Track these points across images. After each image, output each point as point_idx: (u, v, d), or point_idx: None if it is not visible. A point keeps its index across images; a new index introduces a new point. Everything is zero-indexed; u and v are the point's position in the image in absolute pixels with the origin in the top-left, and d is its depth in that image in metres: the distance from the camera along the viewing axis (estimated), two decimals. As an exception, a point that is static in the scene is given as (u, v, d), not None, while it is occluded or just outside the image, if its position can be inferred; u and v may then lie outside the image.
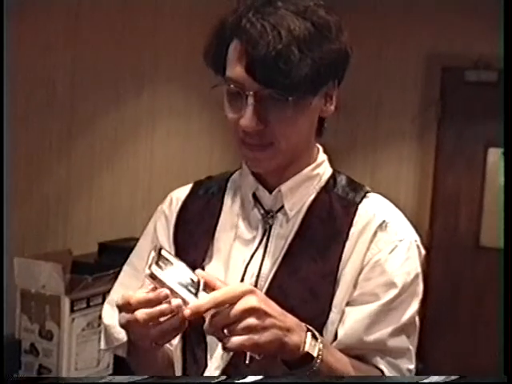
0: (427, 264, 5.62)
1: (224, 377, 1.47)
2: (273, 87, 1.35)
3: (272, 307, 1.29)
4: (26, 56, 3.34)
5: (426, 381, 1.45)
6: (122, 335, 1.54)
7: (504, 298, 1.51)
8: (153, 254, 1.27)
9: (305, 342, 1.32)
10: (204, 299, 1.24)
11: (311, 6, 1.38)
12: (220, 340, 1.26)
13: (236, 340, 1.24)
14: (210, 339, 1.50)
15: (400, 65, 5.58)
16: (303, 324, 1.35)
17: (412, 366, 1.54)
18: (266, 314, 1.26)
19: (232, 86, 1.40)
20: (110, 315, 1.58)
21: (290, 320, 1.32)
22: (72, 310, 2.67)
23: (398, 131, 5.65)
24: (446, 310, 5.64)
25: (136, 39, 4.14)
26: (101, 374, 2.79)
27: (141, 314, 1.24)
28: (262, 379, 1.36)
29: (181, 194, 1.65)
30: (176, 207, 1.63)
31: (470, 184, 5.58)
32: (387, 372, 1.48)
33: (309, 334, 1.33)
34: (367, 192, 1.58)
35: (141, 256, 1.60)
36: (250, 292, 1.27)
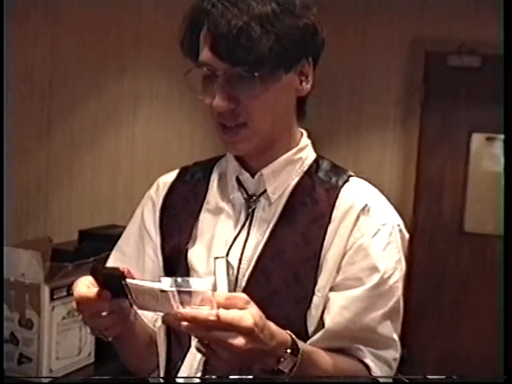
0: (411, 250, 5.66)
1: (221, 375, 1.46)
2: (238, 64, 1.39)
3: (266, 328, 1.27)
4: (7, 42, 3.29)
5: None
6: None
7: (504, 297, 1.50)
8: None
9: (279, 362, 1.31)
10: (207, 312, 1.22)
11: None
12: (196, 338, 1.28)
13: (214, 353, 1.25)
14: None
15: (383, 49, 5.56)
16: (288, 338, 1.34)
17: (398, 356, 1.56)
18: (254, 339, 1.24)
19: (205, 69, 1.44)
20: None
21: (276, 342, 1.30)
22: (52, 299, 2.63)
23: (381, 116, 5.63)
24: (430, 296, 5.64)
25: (117, 24, 4.09)
26: (82, 362, 2.76)
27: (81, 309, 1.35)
28: (260, 378, 1.34)
29: (168, 178, 1.67)
30: (162, 192, 1.64)
31: (453, 169, 5.57)
32: (373, 366, 1.49)
33: (288, 352, 1.32)
34: (350, 176, 1.59)
35: (128, 242, 1.65)
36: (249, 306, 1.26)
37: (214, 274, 1.40)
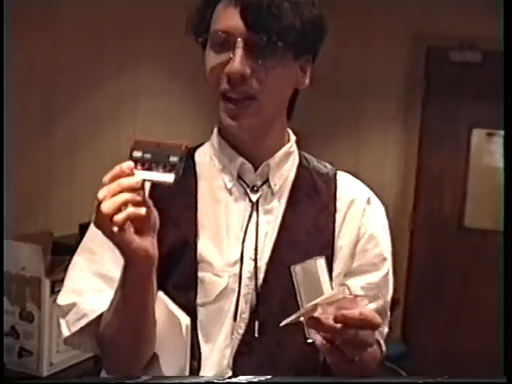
0: (411, 245, 5.65)
1: (229, 375, 1.48)
2: (264, 32, 1.41)
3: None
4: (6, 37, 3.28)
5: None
6: (93, 306, 1.49)
7: (504, 298, 1.52)
8: None
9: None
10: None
11: None
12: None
13: (341, 353, 1.30)
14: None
15: (385, 44, 5.55)
16: None
17: (387, 329, 1.69)
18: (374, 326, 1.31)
19: (221, 34, 1.44)
20: (73, 294, 1.54)
21: None
22: (53, 292, 2.64)
23: (382, 112, 5.63)
24: (430, 292, 5.65)
25: (117, 20, 4.09)
26: (83, 356, 2.77)
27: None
28: (266, 379, 1.36)
29: None
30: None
31: (454, 165, 5.57)
32: (382, 342, 1.63)
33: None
34: (333, 168, 1.69)
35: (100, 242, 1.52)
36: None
37: (316, 274, 1.37)
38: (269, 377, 1.29)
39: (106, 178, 1.26)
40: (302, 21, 1.43)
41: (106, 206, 1.23)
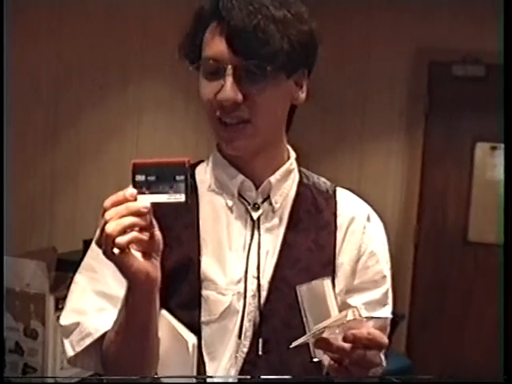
0: (415, 259, 5.63)
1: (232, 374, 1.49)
2: (251, 58, 1.41)
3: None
4: (11, 50, 3.29)
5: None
6: (97, 325, 1.48)
7: (504, 297, 1.53)
8: None
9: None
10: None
11: None
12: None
13: (347, 372, 1.31)
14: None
15: (388, 59, 5.56)
16: None
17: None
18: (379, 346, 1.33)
19: (211, 61, 1.45)
20: (76, 314, 1.53)
21: None
22: (57, 308, 2.63)
23: (385, 126, 5.63)
24: (434, 305, 5.63)
25: (122, 32, 4.10)
26: (85, 373, 2.76)
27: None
28: (270, 378, 1.36)
29: None
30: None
31: (457, 178, 5.57)
32: (381, 355, 1.58)
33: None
34: (332, 184, 1.68)
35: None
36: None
37: (322, 294, 1.36)
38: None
39: (108, 204, 1.27)
40: (290, 41, 1.42)
41: (112, 228, 1.24)
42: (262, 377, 1.45)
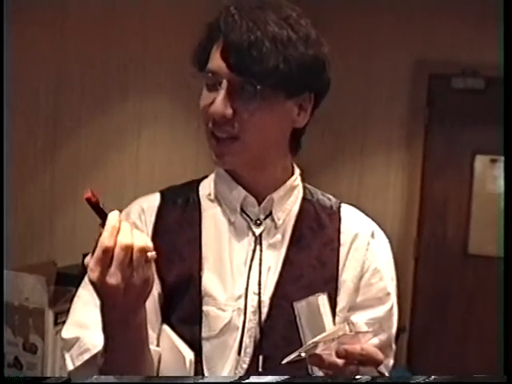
0: (415, 271, 5.62)
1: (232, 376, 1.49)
2: (244, 74, 1.41)
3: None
4: (11, 63, 3.29)
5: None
6: (95, 341, 1.47)
7: (504, 297, 1.53)
8: None
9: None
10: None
11: (294, 15, 1.46)
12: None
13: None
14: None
15: (388, 71, 5.58)
16: None
17: (392, 362, 1.67)
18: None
19: (210, 74, 1.46)
20: (77, 328, 1.53)
21: None
22: (56, 323, 2.63)
23: (385, 138, 5.64)
24: (435, 318, 5.63)
25: (122, 46, 4.10)
26: (86, 387, 2.75)
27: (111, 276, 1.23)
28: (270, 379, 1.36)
29: (151, 203, 1.63)
30: (150, 218, 1.60)
31: (457, 191, 5.57)
32: (386, 373, 1.60)
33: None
34: (337, 201, 1.67)
35: None
36: None
37: (318, 310, 1.37)
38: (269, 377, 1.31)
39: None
40: (287, 62, 1.40)
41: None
42: (262, 377, 1.44)
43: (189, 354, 1.48)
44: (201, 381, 1.45)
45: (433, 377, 1.34)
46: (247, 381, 1.40)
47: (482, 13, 5.19)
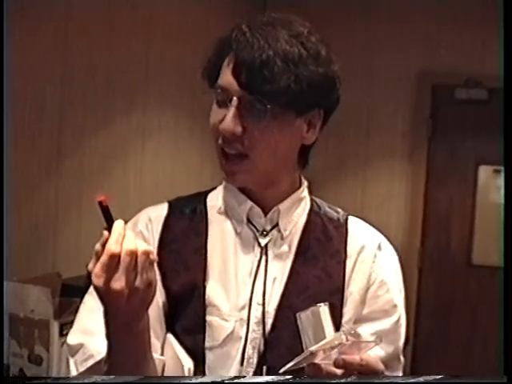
0: (419, 282, 5.60)
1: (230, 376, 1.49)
2: (255, 93, 1.42)
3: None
4: (15, 74, 3.30)
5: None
6: (99, 348, 1.47)
7: (504, 297, 1.53)
8: None
9: None
10: None
11: (305, 32, 1.46)
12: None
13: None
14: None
15: (391, 82, 5.58)
16: None
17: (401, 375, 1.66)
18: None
19: (219, 91, 1.47)
20: (82, 334, 1.54)
21: None
22: (61, 334, 2.63)
23: (389, 149, 5.64)
24: (439, 328, 5.62)
25: (126, 57, 4.11)
26: (91, 398, 2.75)
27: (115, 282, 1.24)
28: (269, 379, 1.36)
29: (158, 213, 1.64)
30: (157, 227, 1.61)
31: (461, 201, 5.57)
32: None
33: None
34: (344, 213, 1.68)
35: None
36: None
37: (319, 321, 1.36)
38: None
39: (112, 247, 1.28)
40: (299, 81, 1.41)
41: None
42: (262, 377, 1.45)
43: (188, 363, 1.50)
44: (200, 380, 1.45)
45: (433, 377, 1.33)
46: (247, 380, 1.39)
47: (485, 23, 5.20)
